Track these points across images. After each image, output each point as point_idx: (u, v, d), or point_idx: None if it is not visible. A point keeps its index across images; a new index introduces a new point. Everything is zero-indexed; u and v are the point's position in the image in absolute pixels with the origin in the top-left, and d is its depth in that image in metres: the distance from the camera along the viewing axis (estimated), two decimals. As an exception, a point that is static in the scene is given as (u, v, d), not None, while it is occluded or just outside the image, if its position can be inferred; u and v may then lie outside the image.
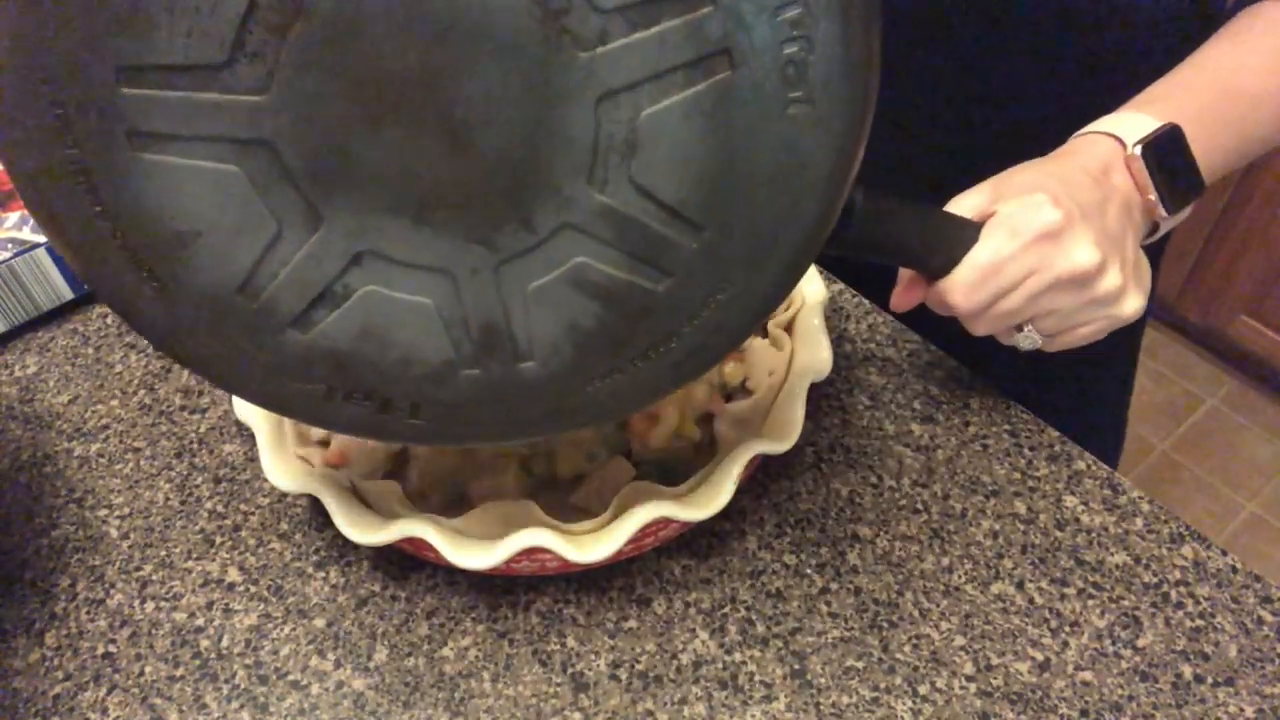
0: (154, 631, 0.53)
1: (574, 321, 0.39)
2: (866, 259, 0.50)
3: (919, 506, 0.58)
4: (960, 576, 0.55)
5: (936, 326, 0.67)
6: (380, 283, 0.38)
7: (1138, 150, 0.51)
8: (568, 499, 0.54)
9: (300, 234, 0.37)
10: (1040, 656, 0.52)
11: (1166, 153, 0.51)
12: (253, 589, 0.55)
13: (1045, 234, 0.48)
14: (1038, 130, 0.56)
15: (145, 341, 0.67)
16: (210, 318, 0.39)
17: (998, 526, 0.57)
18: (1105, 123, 0.53)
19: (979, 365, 0.65)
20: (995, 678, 0.51)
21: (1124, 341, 0.78)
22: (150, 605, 0.54)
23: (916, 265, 0.52)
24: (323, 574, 0.55)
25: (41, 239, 0.66)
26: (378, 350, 0.39)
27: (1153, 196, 0.51)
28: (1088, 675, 0.51)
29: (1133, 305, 0.51)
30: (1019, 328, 0.53)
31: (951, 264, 0.50)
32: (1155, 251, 0.76)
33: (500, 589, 0.54)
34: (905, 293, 0.54)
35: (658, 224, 0.37)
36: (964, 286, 0.50)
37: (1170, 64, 0.55)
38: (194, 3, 0.32)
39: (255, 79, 0.34)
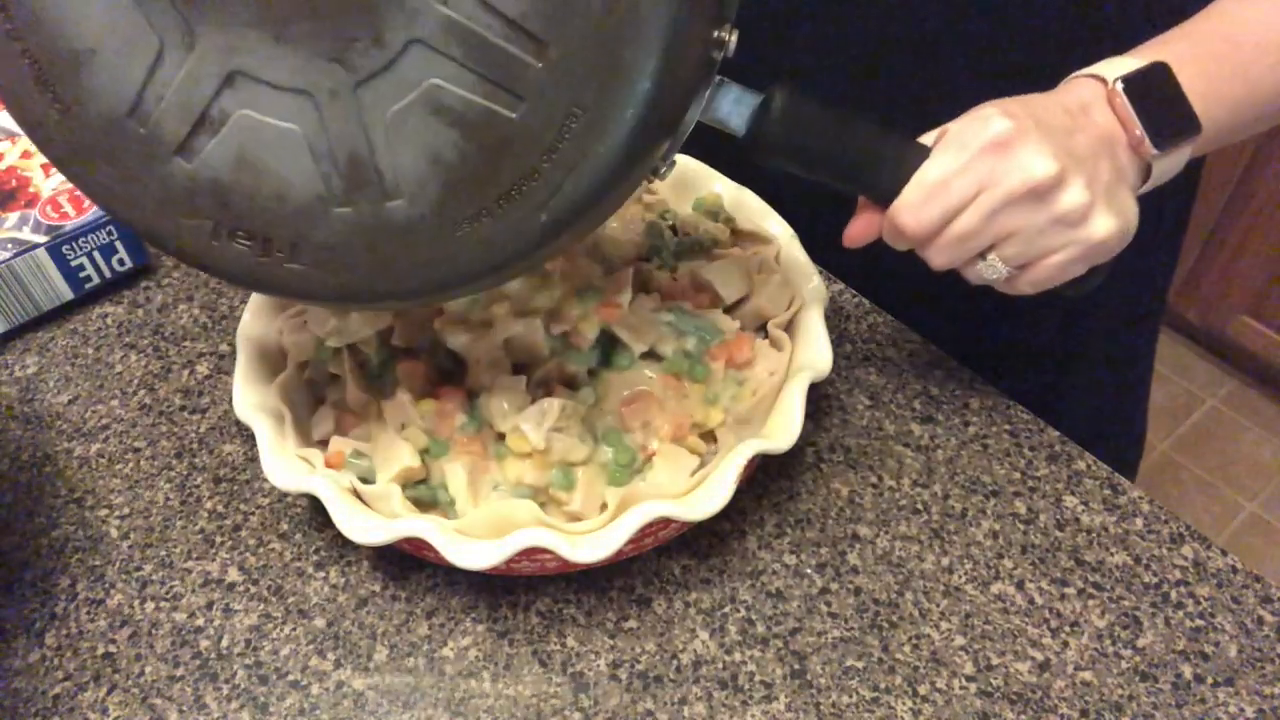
0: (154, 631, 0.53)
1: (436, 153, 0.40)
2: (809, 175, 0.48)
3: (919, 506, 0.58)
4: (960, 576, 0.55)
5: (941, 330, 0.67)
6: (251, 106, 0.40)
7: (1119, 86, 0.48)
8: (561, 506, 0.54)
9: (179, 53, 0.40)
10: (1040, 656, 0.52)
11: (1151, 87, 0.49)
12: (253, 589, 0.55)
13: (994, 143, 0.46)
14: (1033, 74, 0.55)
15: (145, 341, 0.67)
16: (106, 142, 0.42)
17: (998, 526, 0.57)
18: (1093, 67, 0.51)
19: (996, 370, 0.65)
20: (995, 678, 0.51)
21: (1141, 342, 0.78)
22: (150, 605, 0.54)
23: (863, 188, 0.49)
24: (323, 574, 0.55)
25: (42, 239, 0.66)
26: (254, 181, 0.42)
27: (1138, 132, 0.48)
28: (1088, 675, 0.51)
29: (1102, 226, 0.47)
30: (982, 256, 0.49)
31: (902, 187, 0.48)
32: (1170, 254, 0.75)
33: (500, 589, 0.54)
34: (857, 223, 0.51)
35: (503, 40, 0.38)
36: (912, 206, 0.47)
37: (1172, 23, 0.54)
38: None
39: None
